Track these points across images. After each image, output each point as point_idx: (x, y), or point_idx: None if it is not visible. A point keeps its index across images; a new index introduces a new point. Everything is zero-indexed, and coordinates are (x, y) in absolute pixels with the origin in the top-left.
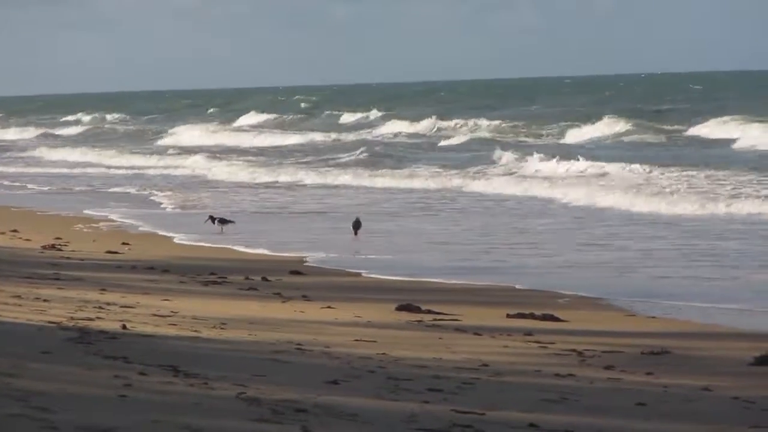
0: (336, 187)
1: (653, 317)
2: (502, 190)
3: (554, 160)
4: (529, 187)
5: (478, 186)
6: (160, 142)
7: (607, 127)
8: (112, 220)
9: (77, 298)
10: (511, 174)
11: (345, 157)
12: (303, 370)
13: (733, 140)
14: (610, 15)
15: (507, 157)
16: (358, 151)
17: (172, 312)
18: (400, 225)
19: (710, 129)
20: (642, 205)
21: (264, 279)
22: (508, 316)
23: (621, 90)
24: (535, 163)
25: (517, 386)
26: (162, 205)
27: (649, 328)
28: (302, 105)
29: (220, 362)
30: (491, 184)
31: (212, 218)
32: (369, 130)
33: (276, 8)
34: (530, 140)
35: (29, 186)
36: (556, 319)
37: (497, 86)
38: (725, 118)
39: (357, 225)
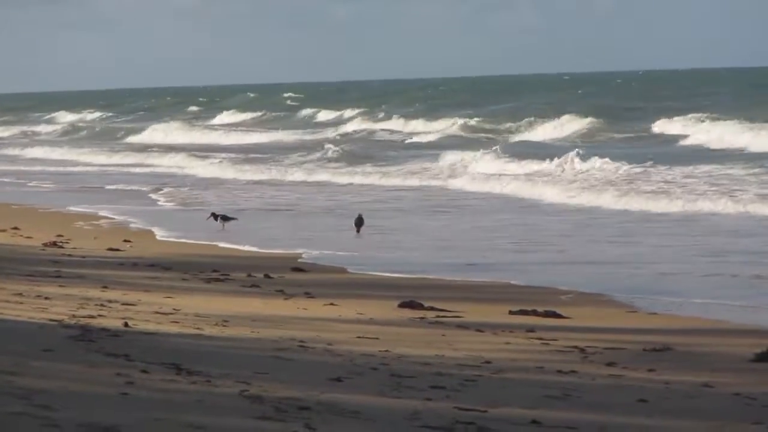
0: (316, 184)
1: (655, 314)
2: (476, 188)
3: (507, 158)
4: (501, 186)
5: (456, 184)
6: (130, 140)
7: (565, 125)
8: (113, 218)
9: (79, 296)
10: (462, 174)
11: (307, 156)
12: (306, 367)
13: (685, 137)
14: (610, 13)
15: (455, 156)
16: (325, 150)
17: (174, 309)
18: (394, 222)
19: (669, 127)
20: (628, 203)
21: (266, 276)
22: (511, 313)
23: (609, 87)
24: (481, 164)
25: (520, 383)
26: (160, 202)
27: (650, 325)
28: (288, 102)
29: (223, 360)
30: (468, 183)
31: (214, 215)
32: (332, 129)
33: (276, 7)
34: (491, 137)
35: (30, 184)
36: (558, 316)
37: (491, 83)
38: (695, 115)
39: (359, 222)
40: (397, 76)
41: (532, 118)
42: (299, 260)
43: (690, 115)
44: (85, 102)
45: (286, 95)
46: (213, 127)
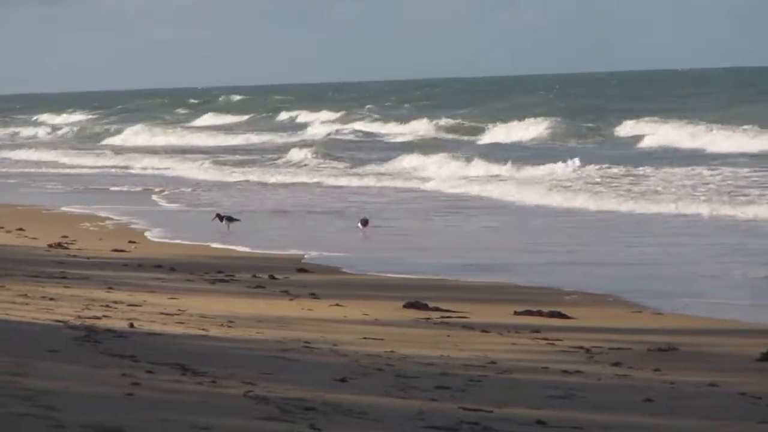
0: (300, 185)
1: (660, 314)
2: (450, 190)
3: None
4: (487, 190)
5: (430, 185)
6: (107, 142)
7: (530, 127)
8: (118, 219)
9: (84, 297)
10: (434, 176)
11: (279, 158)
12: (311, 368)
13: (642, 137)
14: (611, 12)
15: (422, 159)
16: (296, 153)
17: (179, 310)
18: (396, 224)
19: (635, 128)
20: (622, 204)
21: (271, 277)
22: (516, 313)
23: (602, 88)
24: (449, 166)
25: (525, 383)
26: (164, 204)
27: (656, 325)
28: (276, 105)
29: (228, 360)
30: (441, 184)
31: (219, 216)
32: (305, 131)
33: (279, 6)
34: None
35: (33, 185)
36: (564, 316)
37: (491, 84)
38: (671, 117)
39: (364, 224)
40: (402, 77)
41: (497, 121)
42: (303, 261)
43: (654, 117)
44: (78, 103)
45: (277, 97)
46: (191, 129)
